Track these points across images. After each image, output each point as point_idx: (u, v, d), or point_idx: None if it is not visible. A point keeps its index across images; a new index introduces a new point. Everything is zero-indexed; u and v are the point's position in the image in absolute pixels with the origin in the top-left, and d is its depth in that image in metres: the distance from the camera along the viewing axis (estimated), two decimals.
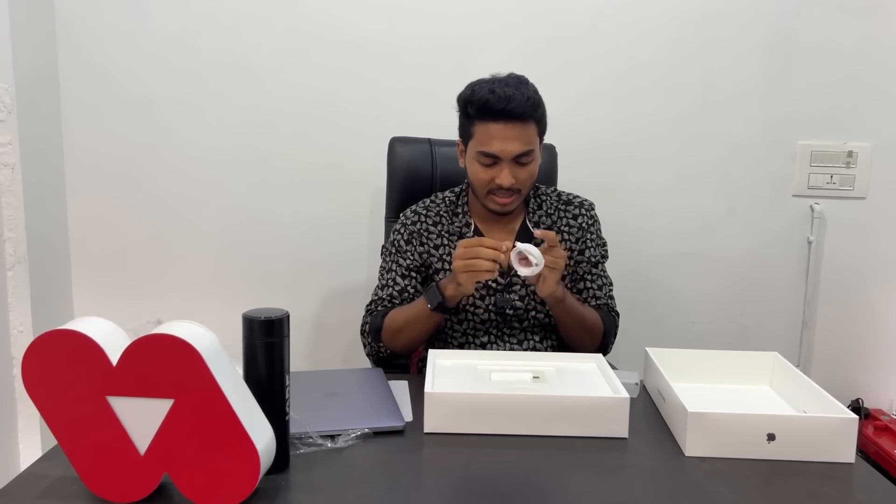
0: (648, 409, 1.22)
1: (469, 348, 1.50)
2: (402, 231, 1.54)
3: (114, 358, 0.86)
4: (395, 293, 1.51)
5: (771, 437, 1.03)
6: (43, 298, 1.93)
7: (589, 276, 1.55)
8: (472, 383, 1.22)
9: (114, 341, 0.87)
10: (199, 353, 0.84)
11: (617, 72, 2.06)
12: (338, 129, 2.06)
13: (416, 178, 1.75)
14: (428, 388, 1.12)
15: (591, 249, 1.56)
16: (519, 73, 1.44)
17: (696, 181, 2.11)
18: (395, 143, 1.78)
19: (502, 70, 1.44)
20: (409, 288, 1.51)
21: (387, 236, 1.71)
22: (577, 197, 1.59)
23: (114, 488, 0.89)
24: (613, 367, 1.27)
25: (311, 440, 1.03)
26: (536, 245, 1.27)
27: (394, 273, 1.53)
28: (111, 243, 2.09)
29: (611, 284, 1.59)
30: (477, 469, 1.01)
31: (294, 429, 1.00)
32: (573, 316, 1.44)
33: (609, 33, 2.04)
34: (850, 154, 2.09)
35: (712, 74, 2.06)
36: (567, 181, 1.78)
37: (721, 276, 2.16)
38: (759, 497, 0.95)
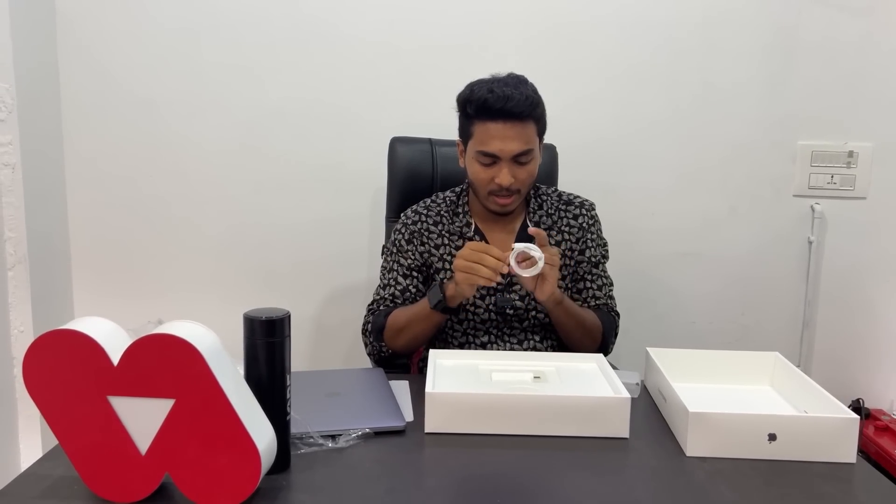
0: (649, 409, 1.22)
1: (469, 348, 1.50)
2: (402, 231, 1.55)
3: (115, 358, 0.86)
4: (396, 292, 1.51)
5: (772, 437, 1.03)
6: (43, 298, 1.93)
7: (589, 277, 1.55)
8: (473, 383, 1.22)
9: (115, 341, 0.87)
10: (200, 353, 0.84)
11: (617, 72, 2.06)
12: (338, 130, 2.06)
13: (416, 178, 1.75)
14: (429, 388, 1.12)
15: (592, 249, 1.56)
16: (519, 72, 1.44)
17: (696, 181, 2.11)
18: (396, 144, 1.78)
19: (502, 70, 1.44)
20: (410, 287, 1.52)
21: (387, 236, 1.71)
22: (578, 197, 1.59)
23: (115, 488, 0.89)
24: (614, 367, 1.27)
25: (311, 440, 1.03)
26: None
27: (395, 272, 1.53)
28: (112, 243, 2.09)
29: (611, 285, 1.59)
30: (478, 469, 1.01)
31: (295, 429, 1.00)
32: (573, 318, 1.44)
33: (609, 33, 2.04)
34: (850, 154, 2.09)
35: (712, 74, 2.06)
36: (567, 181, 1.78)
37: (722, 276, 2.15)
38: (760, 497, 0.95)
